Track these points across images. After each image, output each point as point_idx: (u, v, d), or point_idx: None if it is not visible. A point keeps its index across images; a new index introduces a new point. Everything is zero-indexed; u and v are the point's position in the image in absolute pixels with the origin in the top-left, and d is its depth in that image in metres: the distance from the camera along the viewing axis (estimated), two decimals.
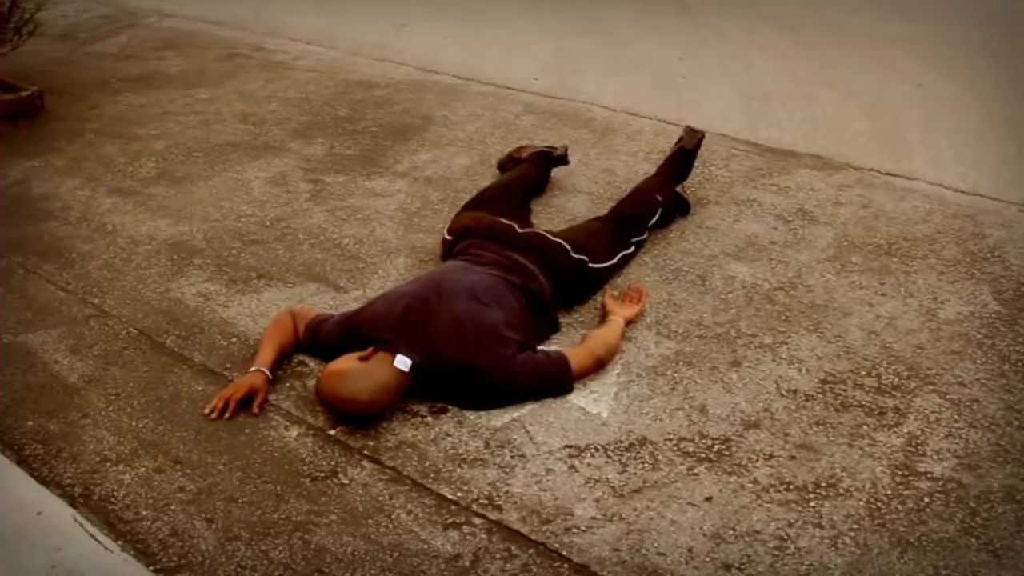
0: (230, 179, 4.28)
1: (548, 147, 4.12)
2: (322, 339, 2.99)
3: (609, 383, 2.92)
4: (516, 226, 3.35)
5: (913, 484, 2.52)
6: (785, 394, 2.86)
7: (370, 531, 2.40)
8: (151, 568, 2.29)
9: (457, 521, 2.43)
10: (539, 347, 3.01)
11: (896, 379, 2.90)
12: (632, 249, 3.52)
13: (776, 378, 2.92)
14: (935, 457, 2.60)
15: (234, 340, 3.16)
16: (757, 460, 2.61)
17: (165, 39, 6.33)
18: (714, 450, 2.65)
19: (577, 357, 2.92)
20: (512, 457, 2.64)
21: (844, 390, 2.86)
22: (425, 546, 2.36)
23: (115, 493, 2.53)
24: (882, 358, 2.99)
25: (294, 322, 3.06)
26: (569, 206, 3.97)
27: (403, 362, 2.74)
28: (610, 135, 4.62)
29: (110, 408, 2.86)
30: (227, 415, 2.80)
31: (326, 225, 3.86)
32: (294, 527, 2.42)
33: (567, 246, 3.29)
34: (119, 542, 2.37)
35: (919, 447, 2.64)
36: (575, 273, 3.28)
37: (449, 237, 3.45)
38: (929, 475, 2.54)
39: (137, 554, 2.34)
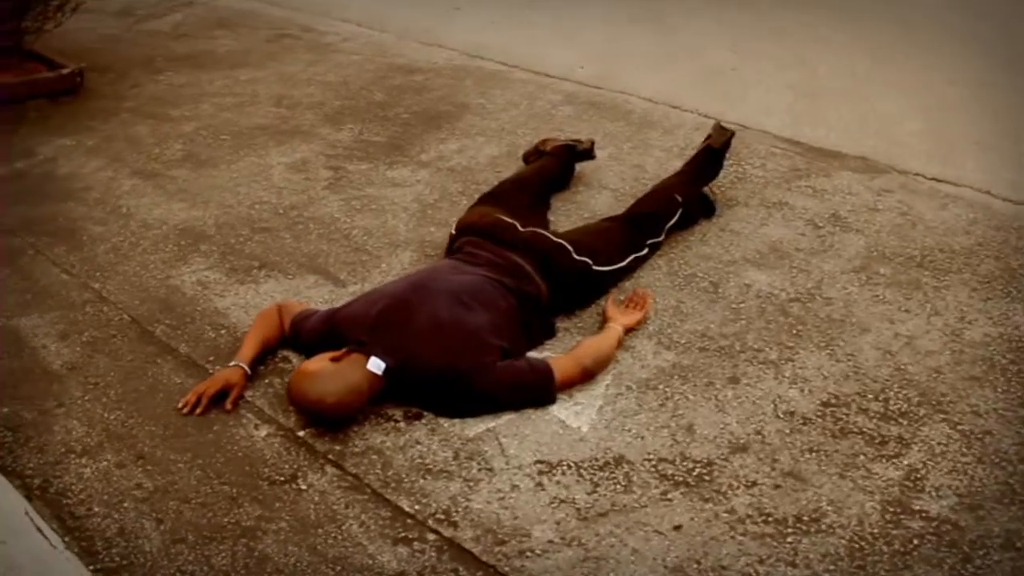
0: (252, 164, 4.23)
1: (573, 140, 3.96)
2: (304, 337, 2.90)
3: (596, 395, 2.77)
4: (518, 224, 3.21)
5: (904, 523, 2.32)
6: (781, 416, 2.67)
7: (317, 542, 2.31)
8: (91, 567, 2.24)
9: (409, 536, 2.32)
10: (528, 354, 2.88)
11: (905, 405, 2.69)
12: (645, 251, 3.35)
13: (775, 398, 2.74)
14: (934, 494, 2.40)
15: (223, 332, 3.10)
16: (738, 487, 2.44)
17: (219, 18, 6.34)
18: (694, 474, 2.49)
19: (562, 367, 2.77)
20: (479, 470, 2.51)
21: (846, 415, 2.67)
22: (370, 561, 2.25)
23: (73, 487, 2.49)
24: (893, 381, 2.78)
25: (280, 316, 2.98)
26: (592, 203, 3.82)
27: (376, 365, 2.64)
28: (647, 129, 4.44)
29: (86, 398, 2.82)
30: (199, 411, 2.73)
31: (338, 215, 3.79)
32: (241, 532, 2.34)
33: (569, 247, 3.14)
34: (66, 538, 2.32)
35: (918, 482, 2.43)
36: (577, 275, 3.13)
37: (454, 232, 3.34)
38: (924, 514, 2.34)
39: (81, 552, 2.28)
